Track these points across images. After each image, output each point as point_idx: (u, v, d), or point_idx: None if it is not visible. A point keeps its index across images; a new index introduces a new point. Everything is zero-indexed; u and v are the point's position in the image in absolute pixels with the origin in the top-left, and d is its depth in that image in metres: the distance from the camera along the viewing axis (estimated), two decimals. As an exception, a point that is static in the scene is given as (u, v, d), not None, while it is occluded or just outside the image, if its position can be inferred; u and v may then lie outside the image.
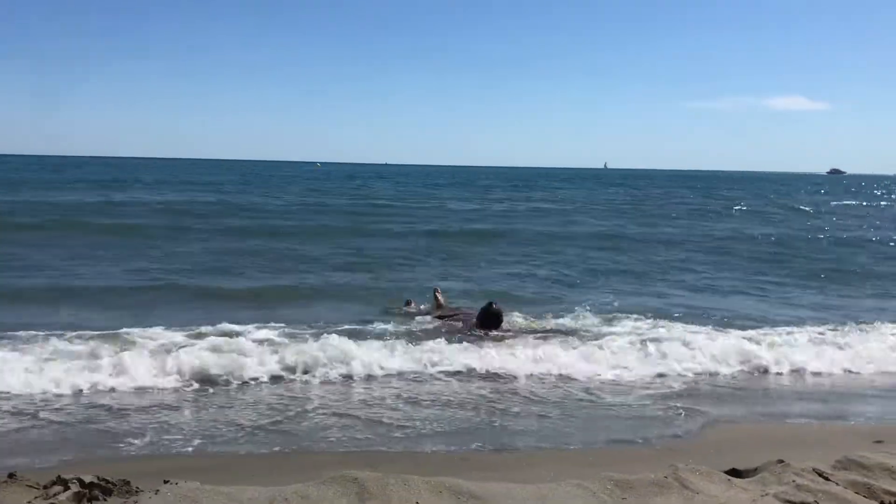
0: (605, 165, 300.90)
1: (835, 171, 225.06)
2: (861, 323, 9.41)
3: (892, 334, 8.78)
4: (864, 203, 43.52)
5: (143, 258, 13.60)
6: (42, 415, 5.48)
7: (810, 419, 6.07)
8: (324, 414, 5.73)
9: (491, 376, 6.87)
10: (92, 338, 7.26)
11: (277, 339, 7.60)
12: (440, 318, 8.88)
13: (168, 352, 6.82)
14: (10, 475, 3.58)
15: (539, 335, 8.30)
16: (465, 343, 7.71)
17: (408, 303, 9.61)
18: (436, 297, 9.61)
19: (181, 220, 20.80)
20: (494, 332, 8.28)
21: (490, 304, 8.60)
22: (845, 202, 44.19)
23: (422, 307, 9.55)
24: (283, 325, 8.26)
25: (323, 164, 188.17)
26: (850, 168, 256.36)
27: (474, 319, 8.55)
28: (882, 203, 44.22)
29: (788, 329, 9.02)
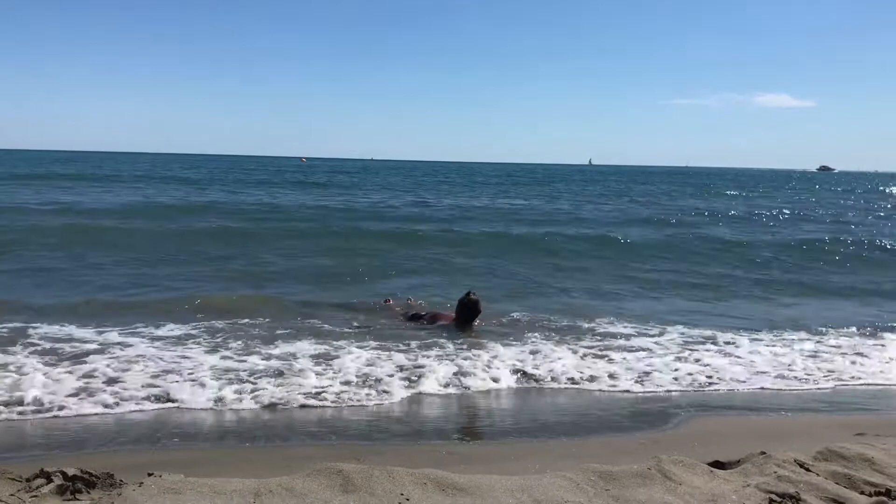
0: (589, 162, 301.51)
1: (824, 168, 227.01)
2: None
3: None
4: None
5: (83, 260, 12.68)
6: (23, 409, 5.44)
7: (794, 412, 6.13)
8: (310, 407, 5.75)
9: (473, 372, 6.85)
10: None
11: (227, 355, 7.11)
12: (417, 317, 8.89)
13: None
14: (-8, 468, 3.55)
15: (514, 331, 8.35)
16: (448, 339, 7.73)
17: (386, 301, 9.63)
18: (408, 301, 9.68)
19: (148, 219, 19.68)
20: (474, 323, 8.34)
21: (468, 293, 8.56)
22: None
23: (405, 302, 9.63)
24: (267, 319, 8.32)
25: (309, 159, 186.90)
26: (838, 165, 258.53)
27: (453, 315, 8.58)
28: None
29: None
